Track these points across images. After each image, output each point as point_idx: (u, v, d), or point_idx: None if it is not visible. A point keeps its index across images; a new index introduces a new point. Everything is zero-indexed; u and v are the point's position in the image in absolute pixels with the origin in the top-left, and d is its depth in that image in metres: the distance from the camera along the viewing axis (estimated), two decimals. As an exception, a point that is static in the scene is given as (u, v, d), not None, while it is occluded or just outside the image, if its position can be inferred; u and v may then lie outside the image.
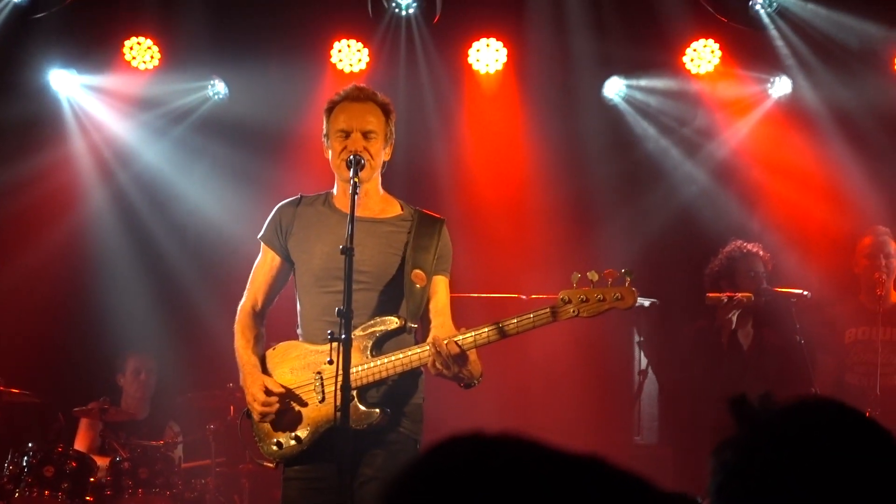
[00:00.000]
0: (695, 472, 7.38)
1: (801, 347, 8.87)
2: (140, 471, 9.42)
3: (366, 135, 5.93)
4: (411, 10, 11.01)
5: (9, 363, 10.27)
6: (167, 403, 10.60)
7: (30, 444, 9.30)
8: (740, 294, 9.00)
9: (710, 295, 9.07)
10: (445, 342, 5.55)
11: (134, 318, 11.10)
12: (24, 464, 9.20)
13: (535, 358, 9.61)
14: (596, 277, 5.55)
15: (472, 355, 5.66)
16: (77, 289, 11.33)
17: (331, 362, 5.44)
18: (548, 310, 5.59)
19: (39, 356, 10.87)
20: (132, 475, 9.40)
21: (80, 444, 10.24)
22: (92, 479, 9.36)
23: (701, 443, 8.45)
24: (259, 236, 6.25)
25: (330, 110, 6.09)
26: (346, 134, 5.94)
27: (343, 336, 5.30)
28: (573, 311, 5.57)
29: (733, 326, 9.19)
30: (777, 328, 9.23)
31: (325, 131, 6.10)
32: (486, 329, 5.60)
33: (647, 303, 9.79)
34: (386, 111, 6.08)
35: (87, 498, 9.27)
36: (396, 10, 11.00)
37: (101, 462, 9.58)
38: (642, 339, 10.09)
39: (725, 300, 9.00)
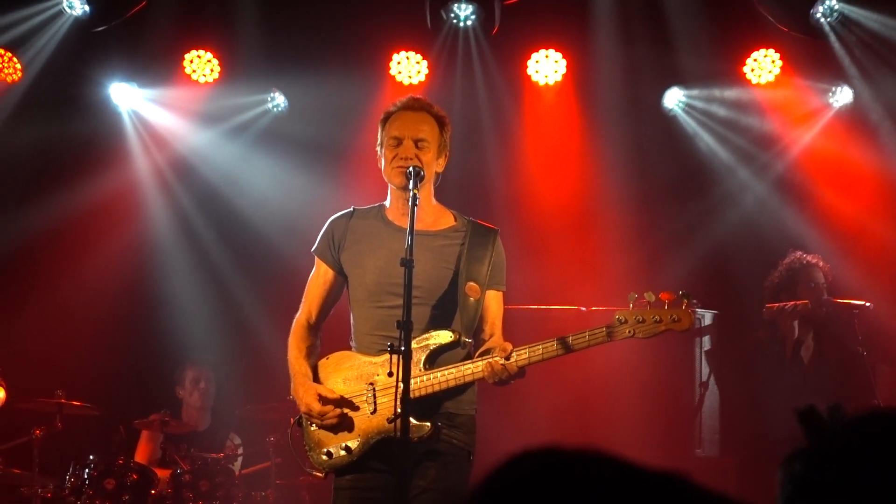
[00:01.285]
0: (757, 485, 7.33)
1: (863, 359, 8.80)
2: (201, 483, 9.44)
3: (417, 143, 5.90)
4: (470, 22, 11.01)
5: (70, 376, 10.34)
6: (227, 415, 10.63)
7: (91, 457, 9.35)
8: (800, 302, 8.95)
9: (768, 306, 9.01)
10: (502, 363, 5.56)
11: (194, 330, 11.15)
12: (86, 476, 9.25)
13: (594, 369, 9.55)
14: (653, 298, 5.53)
15: None
16: (137, 301, 11.39)
17: (391, 374, 5.43)
18: (603, 329, 5.58)
19: (100, 369, 10.92)
20: (193, 487, 9.43)
21: (140, 457, 10.29)
22: (153, 492, 9.41)
23: (763, 455, 8.37)
24: (312, 250, 6.24)
25: (385, 120, 6.08)
26: (399, 141, 5.92)
27: (403, 348, 5.27)
28: (629, 332, 5.56)
29: (796, 335, 9.12)
30: (838, 340, 9.16)
31: (379, 140, 6.09)
32: (540, 347, 5.59)
33: (708, 315, 9.75)
34: (440, 123, 6.05)
35: (148, 510, 9.33)
36: (455, 22, 11.01)
37: (162, 474, 9.61)
38: (705, 350, 10.02)
39: (783, 305, 8.95)
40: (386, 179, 6.03)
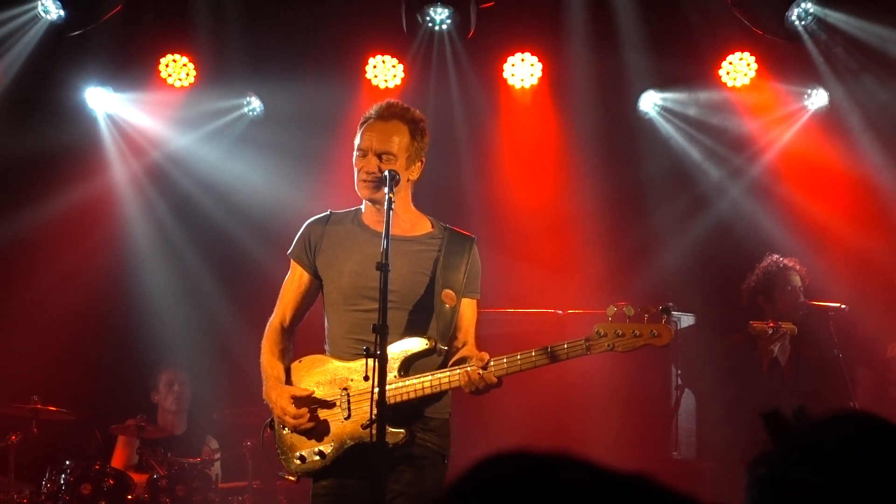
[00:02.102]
0: (733, 487, 7.35)
1: (839, 361, 8.83)
2: (177, 488, 9.44)
3: (381, 156, 5.87)
4: (446, 26, 11.02)
5: (46, 381, 10.33)
6: (204, 420, 10.62)
7: (67, 462, 9.34)
8: (784, 326, 8.93)
9: (754, 324, 8.99)
10: (480, 372, 5.55)
11: (170, 335, 11.13)
12: (62, 481, 9.24)
13: (571, 372, 9.55)
14: (632, 312, 5.53)
15: None
16: (113, 306, 11.37)
17: (367, 378, 5.41)
18: (583, 342, 5.59)
19: (76, 374, 10.91)
20: (169, 492, 9.42)
21: (117, 462, 10.28)
22: (129, 497, 9.39)
23: (739, 458, 8.39)
24: (288, 253, 6.23)
25: (361, 126, 6.06)
26: (364, 153, 5.92)
27: (378, 352, 5.26)
28: (608, 346, 5.56)
29: (774, 356, 9.12)
30: (815, 342, 9.18)
31: (355, 146, 6.10)
32: (518, 357, 5.59)
33: (685, 318, 9.76)
34: (414, 130, 6.01)
35: (125, 515, 9.32)
36: (431, 26, 11.02)
37: (139, 479, 9.60)
38: (681, 353, 10.03)
39: (770, 332, 8.93)
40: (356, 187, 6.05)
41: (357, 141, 6.01)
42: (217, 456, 10.32)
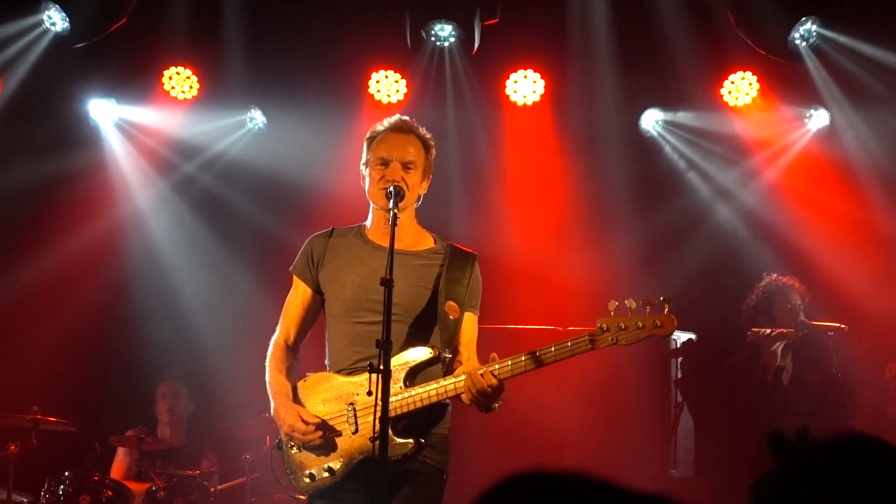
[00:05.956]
0: (731, 506, 7.36)
1: (838, 381, 8.84)
2: (176, 500, 9.44)
3: (405, 166, 5.93)
4: (449, 42, 11.02)
5: (46, 392, 10.33)
6: (204, 432, 10.60)
7: (66, 473, 9.34)
8: (784, 330, 8.96)
9: (754, 330, 9.01)
10: (482, 373, 5.55)
11: (170, 347, 11.11)
12: (61, 492, 9.24)
13: (571, 389, 9.57)
14: (634, 305, 5.55)
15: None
16: (114, 318, 11.36)
17: (370, 394, 5.38)
18: (586, 337, 5.57)
19: (76, 385, 10.90)
20: (168, 504, 9.43)
21: (116, 473, 10.28)
22: (127, 508, 9.40)
23: (737, 477, 8.40)
24: (291, 269, 6.25)
25: (371, 139, 6.10)
26: (386, 163, 5.94)
27: (382, 367, 5.27)
28: (612, 339, 5.55)
29: (778, 361, 9.13)
30: (815, 362, 9.19)
31: (364, 160, 6.11)
32: (523, 357, 5.59)
33: (684, 336, 9.77)
34: (426, 145, 6.09)
35: (123, 526, 9.32)
36: (435, 42, 11.02)
37: (137, 491, 9.60)
38: (679, 376, 10.03)
39: (769, 332, 8.96)
40: (370, 199, 6.06)
41: (370, 152, 6.06)
42: (216, 468, 10.31)
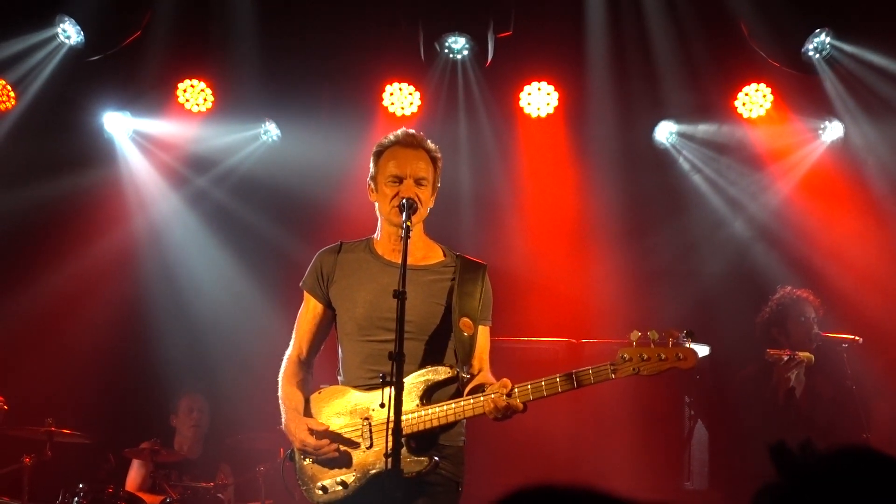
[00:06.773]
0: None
1: (853, 394, 8.81)
2: (190, 512, 9.45)
3: (418, 182, 5.92)
4: (463, 55, 11.03)
5: (60, 404, 10.35)
6: (219, 444, 10.60)
7: (80, 485, 9.33)
8: (801, 355, 8.90)
9: (771, 352, 8.97)
10: (507, 401, 5.53)
11: (186, 360, 11.12)
12: (75, 504, 9.25)
13: (586, 402, 9.56)
14: (656, 336, 5.53)
15: None
16: (129, 331, 11.36)
17: (383, 405, 5.38)
18: (608, 366, 5.57)
19: (91, 397, 10.90)
20: (182, 516, 9.44)
21: (130, 485, 10.27)
22: (141, 520, 9.40)
23: (751, 489, 8.36)
24: (301, 284, 6.24)
25: (379, 154, 6.07)
26: (399, 180, 5.92)
27: (395, 379, 5.26)
28: (633, 370, 5.53)
29: (791, 385, 9.08)
30: (829, 375, 9.15)
31: (371, 174, 6.08)
32: (543, 383, 5.58)
33: (699, 349, 9.74)
34: (434, 159, 6.06)
35: (137, 538, 9.32)
36: (448, 54, 11.03)
37: (152, 502, 9.59)
38: (695, 384, 10.01)
39: (786, 359, 8.90)
40: (383, 216, 6.03)
41: (380, 167, 6.03)
42: (230, 481, 10.31)
